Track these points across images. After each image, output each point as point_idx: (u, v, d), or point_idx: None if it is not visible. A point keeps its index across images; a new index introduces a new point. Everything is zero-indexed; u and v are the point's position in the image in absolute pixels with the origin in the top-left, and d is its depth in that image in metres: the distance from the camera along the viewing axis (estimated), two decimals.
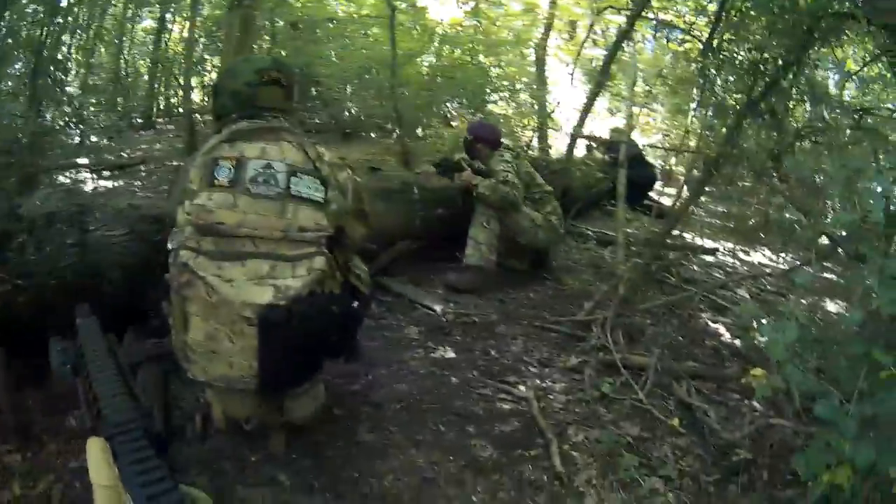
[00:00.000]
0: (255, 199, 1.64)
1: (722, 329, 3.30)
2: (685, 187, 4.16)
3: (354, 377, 2.57)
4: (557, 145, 6.23)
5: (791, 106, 3.45)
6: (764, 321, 2.64)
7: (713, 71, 3.58)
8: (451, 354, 2.83)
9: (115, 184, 3.41)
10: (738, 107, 3.17)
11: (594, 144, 5.94)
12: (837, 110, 3.11)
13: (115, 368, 0.73)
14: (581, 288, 3.60)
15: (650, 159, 6.25)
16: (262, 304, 1.57)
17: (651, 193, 5.78)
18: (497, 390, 2.63)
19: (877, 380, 1.51)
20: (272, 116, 1.87)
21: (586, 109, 4.98)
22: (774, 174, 3.34)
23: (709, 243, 4.72)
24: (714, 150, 3.27)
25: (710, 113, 3.82)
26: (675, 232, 4.51)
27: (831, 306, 3.25)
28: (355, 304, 1.93)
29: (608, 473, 2.23)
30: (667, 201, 5.50)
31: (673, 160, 6.11)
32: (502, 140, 3.75)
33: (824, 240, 2.67)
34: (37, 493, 1.81)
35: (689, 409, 2.55)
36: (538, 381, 2.73)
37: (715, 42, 3.44)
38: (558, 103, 6.46)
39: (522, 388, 2.66)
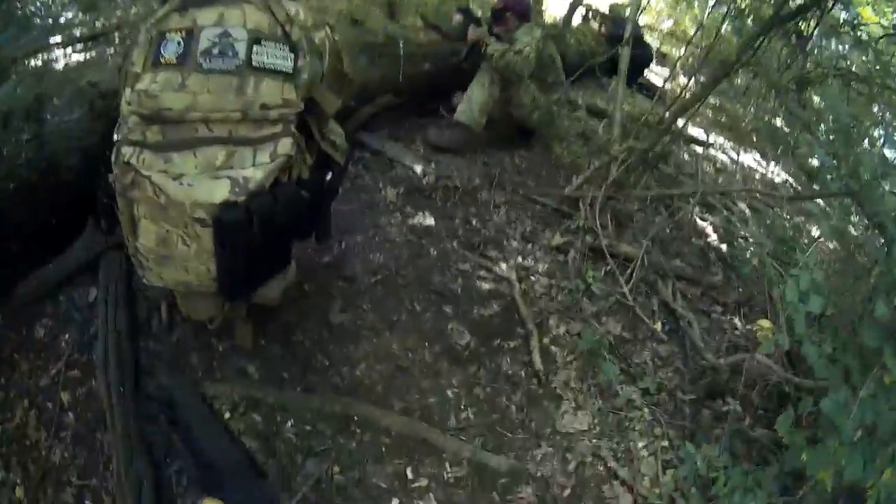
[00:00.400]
0: (207, 75, 1.29)
1: (710, 230, 3.14)
2: (692, 78, 3.76)
3: (327, 247, 2.28)
4: (553, 10, 5.66)
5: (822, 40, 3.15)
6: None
7: None
8: (429, 221, 2.54)
9: (88, 56, 2.87)
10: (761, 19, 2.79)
11: (592, 16, 5.47)
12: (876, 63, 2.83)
13: (217, 424, 0.75)
14: (570, 159, 3.31)
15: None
16: (216, 202, 1.27)
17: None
18: (477, 266, 2.41)
19: (881, 382, 1.41)
20: None
21: None
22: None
23: (698, 133, 4.46)
24: (731, 54, 2.88)
25: (728, 13, 3.34)
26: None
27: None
28: (328, 175, 1.64)
29: (587, 376, 2.12)
30: (659, 81, 5.18)
31: (681, 51, 5.63)
32: (530, 14, 3.31)
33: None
34: (14, 424, 1.67)
35: (673, 314, 2.44)
36: (520, 259, 2.51)
37: None
38: None
39: (504, 265, 2.44)
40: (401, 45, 2.98)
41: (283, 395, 1.77)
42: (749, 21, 2.97)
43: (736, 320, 2.56)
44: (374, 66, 2.94)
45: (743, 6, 2.97)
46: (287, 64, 1.37)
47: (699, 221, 3.17)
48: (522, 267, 2.48)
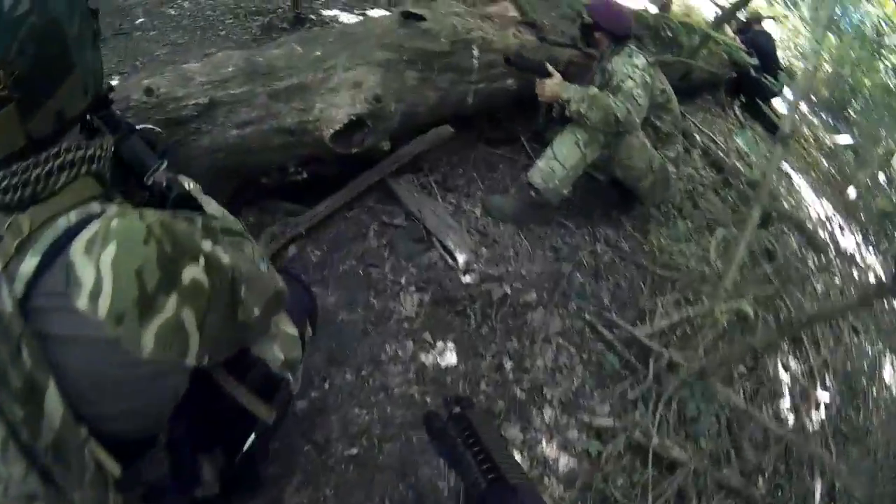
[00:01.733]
0: None
1: (787, 382, 2.50)
2: None
3: (308, 383, 1.71)
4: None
5: None
6: None
7: None
8: (450, 360, 1.90)
9: None
10: None
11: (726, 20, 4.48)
12: None
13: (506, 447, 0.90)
14: (664, 261, 2.48)
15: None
16: None
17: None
18: None
19: None
20: None
21: None
22: None
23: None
24: None
25: None
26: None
27: None
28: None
29: None
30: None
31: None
32: (631, 33, 2.28)
33: None
34: None
35: None
36: (544, 445, 1.95)
37: None
38: None
39: (517, 457, 1.89)
40: (475, 53, 1.95)
41: None
42: None
43: None
44: (426, 84, 2.00)
45: None
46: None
47: (781, 373, 2.53)
48: (541, 461, 1.92)
